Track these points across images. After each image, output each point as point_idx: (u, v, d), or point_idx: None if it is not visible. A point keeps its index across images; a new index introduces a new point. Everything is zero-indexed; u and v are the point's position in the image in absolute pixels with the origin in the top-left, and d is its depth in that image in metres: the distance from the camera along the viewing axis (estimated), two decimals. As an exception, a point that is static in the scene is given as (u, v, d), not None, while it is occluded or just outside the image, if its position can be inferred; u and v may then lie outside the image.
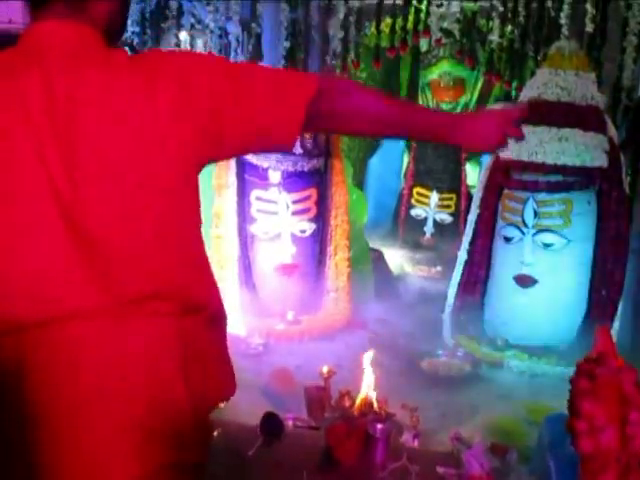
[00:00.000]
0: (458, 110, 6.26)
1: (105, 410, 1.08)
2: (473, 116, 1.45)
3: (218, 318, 1.20)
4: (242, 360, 3.28)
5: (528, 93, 3.49)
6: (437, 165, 6.03)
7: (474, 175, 6.22)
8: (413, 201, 6.06)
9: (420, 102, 6.40)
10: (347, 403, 2.49)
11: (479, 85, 6.22)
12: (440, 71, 6.19)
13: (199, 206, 1.16)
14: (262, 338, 3.49)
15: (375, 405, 2.41)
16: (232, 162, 3.80)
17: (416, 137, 1.32)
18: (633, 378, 1.45)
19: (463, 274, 3.81)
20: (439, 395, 3.02)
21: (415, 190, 6.07)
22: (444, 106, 6.32)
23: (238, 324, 3.42)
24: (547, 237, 3.42)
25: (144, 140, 1.08)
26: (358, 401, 2.42)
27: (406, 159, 6.30)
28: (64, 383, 1.07)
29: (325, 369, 2.62)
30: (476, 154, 6.51)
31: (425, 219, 5.94)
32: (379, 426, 1.88)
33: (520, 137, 1.38)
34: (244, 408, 2.33)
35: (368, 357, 2.48)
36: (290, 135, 1.17)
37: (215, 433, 1.89)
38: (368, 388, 2.46)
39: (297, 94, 1.15)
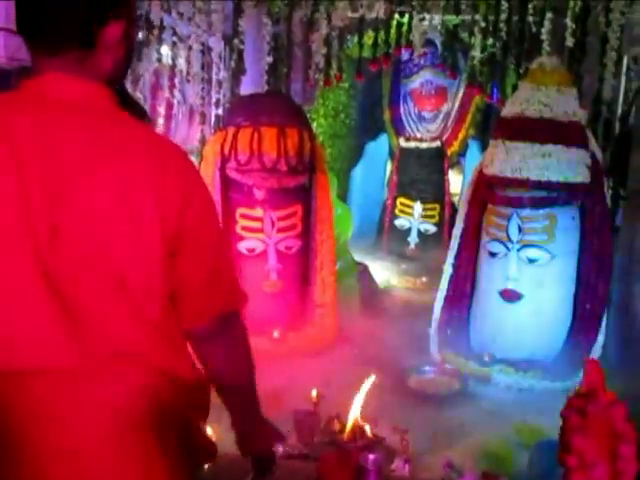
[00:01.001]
0: (440, 117, 6.31)
1: (67, 473, 1.07)
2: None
3: (195, 387, 1.20)
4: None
5: (511, 109, 3.50)
6: (420, 175, 6.05)
7: (458, 182, 6.27)
8: (397, 211, 6.08)
9: (402, 111, 6.44)
10: (337, 427, 2.49)
11: (460, 94, 6.26)
12: (421, 80, 6.23)
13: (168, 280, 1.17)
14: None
15: (366, 430, 2.41)
16: (216, 179, 3.79)
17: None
18: (623, 413, 1.46)
19: (449, 288, 3.83)
20: (428, 413, 3.02)
21: (399, 200, 6.09)
22: (425, 114, 6.37)
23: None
24: (532, 252, 3.44)
25: (130, 216, 1.08)
26: (349, 426, 2.41)
27: (389, 169, 6.33)
28: (28, 438, 1.07)
29: (314, 393, 2.61)
30: (457, 163, 6.58)
31: (409, 229, 5.96)
32: (371, 457, 1.88)
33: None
34: (230, 435, 2.32)
35: (366, 385, 2.47)
36: (197, 322, 1.24)
37: (205, 466, 1.87)
38: (358, 413, 2.45)
39: (227, 296, 1.26)
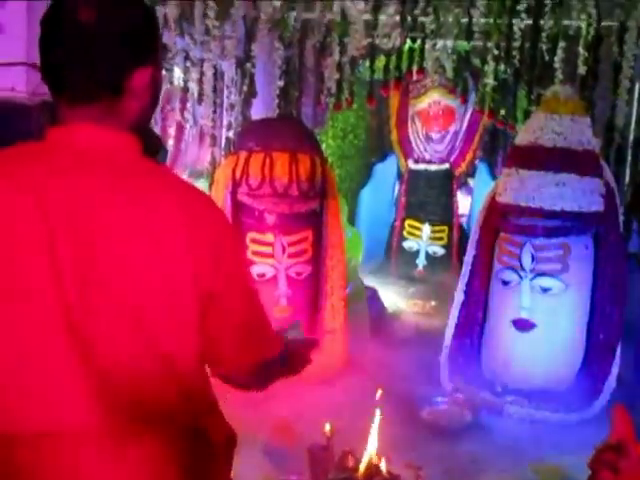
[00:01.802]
0: (448, 138, 6.31)
1: None
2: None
3: (222, 444, 1.18)
4: (240, 410, 3.24)
5: (524, 137, 3.49)
6: (429, 197, 6.04)
7: (465, 203, 6.26)
8: (405, 233, 6.06)
9: (409, 131, 6.43)
10: (351, 463, 2.46)
11: (468, 115, 6.25)
12: (430, 100, 6.23)
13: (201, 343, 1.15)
14: (259, 385, 3.44)
15: (381, 467, 2.37)
16: (227, 203, 3.78)
17: None
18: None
19: (460, 315, 3.80)
20: (441, 447, 2.99)
21: (407, 222, 6.08)
22: (433, 135, 6.36)
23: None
24: (545, 281, 3.42)
25: (162, 271, 1.06)
26: (364, 463, 2.38)
27: (397, 191, 6.32)
28: None
29: (327, 427, 2.58)
30: (465, 184, 6.57)
31: (417, 251, 5.94)
32: (388, 499, 1.85)
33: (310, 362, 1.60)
34: (246, 471, 2.29)
35: (376, 420, 2.43)
36: (234, 372, 1.24)
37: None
38: (373, 449, 2.42)
39: (262, 346, 1.23)
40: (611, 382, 3.37)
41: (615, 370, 3.39)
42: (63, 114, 1.13)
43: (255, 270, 3.78)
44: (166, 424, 1.09)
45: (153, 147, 1.27)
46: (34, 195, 1.04)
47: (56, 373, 1.04)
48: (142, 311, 1.05)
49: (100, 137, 1.11)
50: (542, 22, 3.78)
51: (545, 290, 3.42)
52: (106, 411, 1.05)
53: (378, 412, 2.48)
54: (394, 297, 5.24)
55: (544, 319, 3.43)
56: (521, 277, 3.45)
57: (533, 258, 3.42)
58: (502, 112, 4.69)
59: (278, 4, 3.61)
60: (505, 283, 3.54)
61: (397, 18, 3.72)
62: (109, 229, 1.05)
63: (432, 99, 6.18)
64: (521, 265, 3.45)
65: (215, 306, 1.12)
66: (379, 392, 2.57)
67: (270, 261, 3.79)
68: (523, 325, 3.46)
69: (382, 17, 3.74)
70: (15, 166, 1.08)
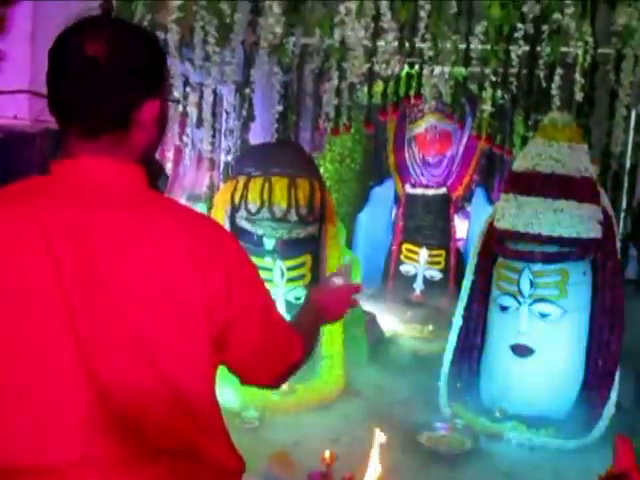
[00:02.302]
0: (445, 162, 6.34)
1: None
2: (326, 297, 1.62)
3: (231, 472, 1.17)
4: (238, 437, 3.21)
5: (522, 163, 3.51)
6: (426, 221, 6.06)
7: (462, 227, 6.27)
8: (402, 257, 6.07)
9: (406, 155, 6.46)
10: (350, 490, 2.44)
11: (465, 139, 6.28)
12: (426, 125, 6.26)
13: (215, 371, 1.16)
14: (257, 411, 3.42)
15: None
16: (226, 227, 3.78)
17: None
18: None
19: (458, 340, 3.79)
20: (440, 473, 2.97)
21: (404, 246, 6.08)
22: (430, 159, 6.38)
23: (232, 397, 3.36)
24: (543, 307, 3.42)
25: (172, 302, 1.06)
26: (363, 492, 2.37)
27: (394, 214, 6.33)
28: None
29: (327, 454, 2.56)
30: (462, 208, 6.59)
31: (415, 275, 5.94)
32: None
33: (356, 305, 1.68)
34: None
35: (375, 451, 2.42)
36: (258, 383, 1.31)
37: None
38: (374, 476, 2.40)
39: (283, 357, 1.29)
40: (610, 408, 3.36)
41: (614, 396, 3.38)
42: (70, 147, 1.13)
43: (253, 294, 3.77)
44: (181, 456, 1.08)
45: (154, 173, 1.27)
46: (38, 226, 1.04)
47: (66, 402, 1.04)
48: (152, 339, 1.05)
49: (107, 170, 1.11)
50: (539, 49, 3.81)
51: (544, 316, 3.42)
52: (118, 441, 1.04)
53: (377, 439, 2.47)
54: (391, 321, 5.23)
55: (543, 345, 3.43)
56: (519, 303, 3.45)
57: (531, 284, 3.42)
58: (499, 137, 4.72)
59: (278, 30, 3.63)
60: (503, 308, 3.54)
61: (396, 44, 3.74)
62: (115, 258, 1.05)
63: (429, 123, 6.22)
64: (519, 291, 3.45)
65: (234, 329, 1.14)
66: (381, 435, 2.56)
67: (269, 286, 3.77)
68: (522, 351, 3.45)
69: (381, 43, 3.77)
70: (20, 200, 1.08)
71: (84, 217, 1.06)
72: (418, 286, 5.89)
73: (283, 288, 3.79)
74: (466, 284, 3.84)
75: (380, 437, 2.62)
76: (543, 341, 3.44)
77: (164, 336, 1.06)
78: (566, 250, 3.37)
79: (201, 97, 4.38)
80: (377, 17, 3.57)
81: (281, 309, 3.78)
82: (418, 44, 3.88)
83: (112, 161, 1.11)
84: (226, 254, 1.13)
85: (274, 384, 1.33)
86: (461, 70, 4.33)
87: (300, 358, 1.32)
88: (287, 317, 3.84)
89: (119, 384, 1.04)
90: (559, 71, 3.79)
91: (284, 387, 3.65)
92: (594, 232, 3.36)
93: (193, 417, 1.09)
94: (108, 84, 1.09)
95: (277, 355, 1.27)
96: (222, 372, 1.20)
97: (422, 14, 3.63)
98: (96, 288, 1.03)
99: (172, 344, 1.06)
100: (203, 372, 1.11)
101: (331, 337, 3.95)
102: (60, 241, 1.04)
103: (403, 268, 6.03)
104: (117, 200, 1.09)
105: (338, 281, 1.68)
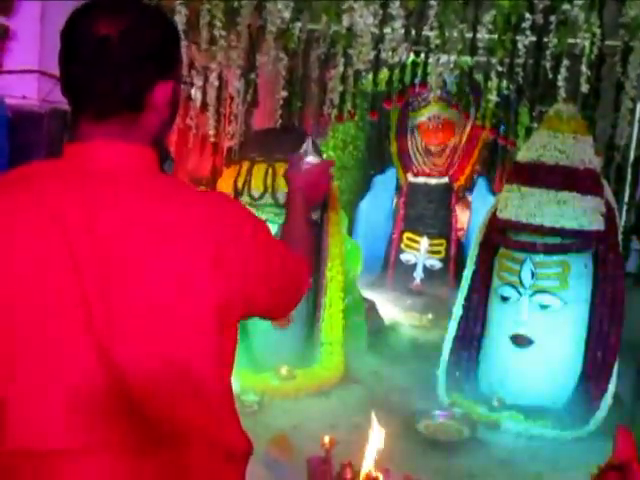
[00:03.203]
0: (447, 152, 6.32)
1: None
2: (305, 179, 1.62)
3: (240, 455, 1.17)
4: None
5: (526, 154, 3.51)
6: (428, 211, 6.05)
7: (463, 217, 6.26)
8: (403, 246, 6.06)
9: (409, 144, 6.44)
10: (349, 475, 2.45)
11: (468, 128, 6.26)
12: (429, 113, 6.23)
13: (233, 351, 1.17)
14: (257, 395, 3.44)
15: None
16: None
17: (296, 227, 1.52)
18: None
19: (458, 330, 3.81)
20: (438, 461, 2.99)
21: (405, 235, 6.08)
22: (432, 148, 6.37)
23: (232, 381, 3.37)
24: (544, 298, 3.43)
25: (184, 285, 1.05)
26: (362, 476, 2.38)
27: (396, 203, 6.32)
28: None
29: (327, 439, 2.57)
30: (463, 197, 6.57)
31: (415, 264, 5.94)
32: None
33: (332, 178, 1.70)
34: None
35: (373, 433, 2.43)
36: (282, 316, 1.40)
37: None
38: (371, 462, 2.42)
39: (298, 291, 1.36)
40: (608, 399, 3.37)
41: (612, 388, 3.40)
42: (82, 129, 1.11)
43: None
44: (195, 441, 1.08)
45: (161, 157, 1.27)
46: (50, 210, 1.04)
47: (82, 389, 1.04)
48: (167, 324, 1.05)
49: (119, 153, 1.11)
50: (546, 40, 3.80)
51: (544, 307, 3.43)
52: (127, 425, 1.04)
53: (375, 426, 2.48)
54: (391, 309, 5.24)
55: (542, 335, 3.45)
56: (520, 293, 3.46)
57: (533, 275, 3.43)
58: (502, 128, 4.71)
59: (286, 15, 3.62)
60: (504, 299, 3.55)
61: (403, 32, 3.73)
62: (129, 241, 1.04)
63: (432, 112, 6.19)
64: (520, 281, 3.46)
65: (253, 296, 1.17)
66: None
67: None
68: (521, 341, 3.47)
69: (388, 30, 3.75)
70: (31, 183, 1.07)
71: (96, 200, 1.05)
72: (418, 275, 5.89)
73: (284, 274, 3.79)
74: (467, 274, 3.85)
75: (378, 424, 2.63)
76: (543, 332, 3.45)
77: (179, 318, 1.05)
78: (568, 242, 3.38)
79: (206, 81, 4.36)
80: (385, 4, 3.56)
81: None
82: (425, 32, 3.87)
83: (124, 144, 1.10)
84: (239, 230, 1.12)
85: (288, 314, 1.44)
86: (467, 59, 4.32)
87: (309, 284, 1.41)
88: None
89: (134, 369, 1.03)
90: (565, 62, 3.78)
91: (284, 372, 3.68)
92: (596, 224, 3.36)
93: (206, 401, 1.09)
94: (120, 65, 1.07)
95: (293, 292, 1.34)
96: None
97: (431, 2, 3.62)
98: (112, 272, 1.03)
99: (187, 327, 1.06)
100: (216, 355, 1.10)
101: (331, 324, 3.97)
102: (73, 225, 1.03)
103: (403, 257, 6.03)
104: (129, 183, 1.08)
105: (311, 160, 1.66)
